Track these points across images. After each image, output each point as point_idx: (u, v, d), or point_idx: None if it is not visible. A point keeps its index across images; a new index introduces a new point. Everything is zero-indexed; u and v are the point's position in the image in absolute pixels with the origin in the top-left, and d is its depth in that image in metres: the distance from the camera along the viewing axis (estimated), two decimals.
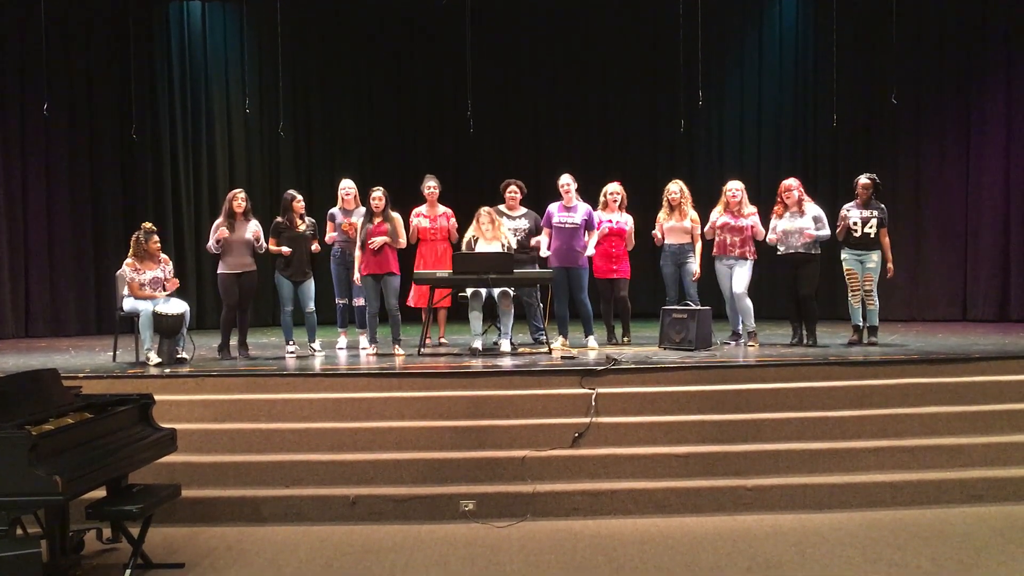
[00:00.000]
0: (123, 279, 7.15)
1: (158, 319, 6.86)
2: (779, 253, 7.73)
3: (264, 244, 7.57)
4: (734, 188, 7.90)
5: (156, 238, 7.21)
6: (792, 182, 7.78)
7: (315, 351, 7.73)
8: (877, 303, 7.70)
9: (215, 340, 7.88)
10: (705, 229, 8.01)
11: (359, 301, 7.95)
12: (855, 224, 7.63)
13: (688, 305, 7.74)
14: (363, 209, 7.91)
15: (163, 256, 7.29)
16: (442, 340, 8.51)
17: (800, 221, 7.60)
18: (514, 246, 7.77)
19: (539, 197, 8.53)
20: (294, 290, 7.63)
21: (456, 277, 7.32)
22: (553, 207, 7.89)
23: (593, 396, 5.81)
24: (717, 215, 7.94)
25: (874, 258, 7.63)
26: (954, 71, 11.04)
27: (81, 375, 6.10)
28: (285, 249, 7.51)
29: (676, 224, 8.07)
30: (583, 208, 7.86)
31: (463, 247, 7.79)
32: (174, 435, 4.72)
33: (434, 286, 7.59)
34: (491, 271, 7.19)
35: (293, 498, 5.22)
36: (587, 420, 5.69)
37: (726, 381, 6.11)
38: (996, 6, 10.74)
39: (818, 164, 11.83)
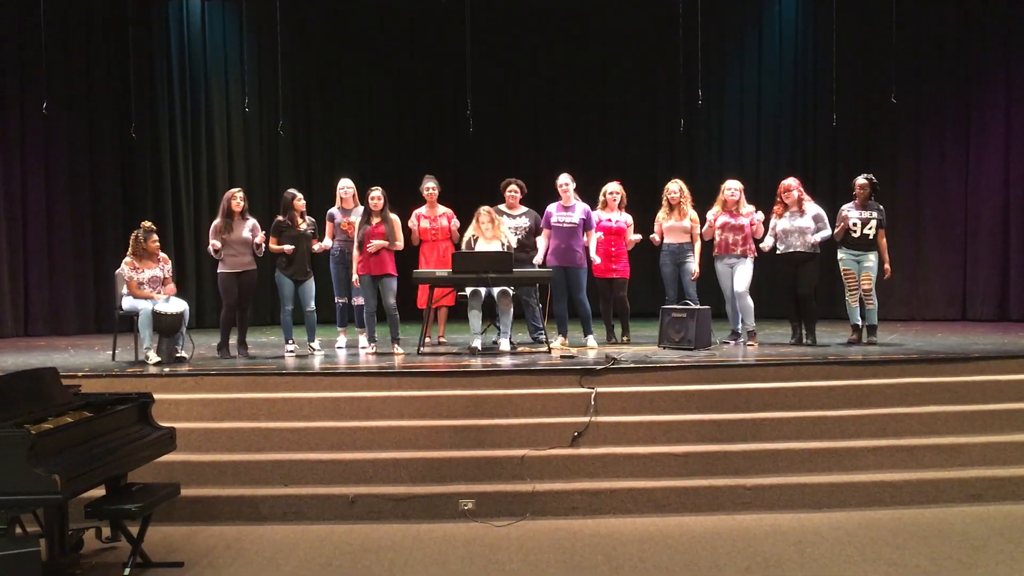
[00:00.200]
0: (122, 278, 7.15)
1: (157, 318, 6.87)
2: (779, 253, 7.74)
3: (262, 246, 7.56)
4: (732, 187, 7.90)
5: (155, 237, 7.21)
6: (792, 182, 7.78)
7: (314, 350, 7.73)
8: (876, 303, 7.70)
9: (214, 339, 7.87)
10: (703, 230, 8.01)
11: (358, 300, 7.95)
12: (854, 225, 7.63)
13: (688, 304, 7.74)
14: (362, 208, 7.91)
15: (162, 255, 7.29)
16: (441, 339, 8.51)
17: (800, 221, 7.60)
18: (514, 245, 7.77)
19: (539, 197, 8.53)
20: (295, 289, 7.62)
21: (455, 276, 7.32)
22: (552, 207, 7.90)
23: (592, 395, 5.81)
24: (714, 215, 7.94)
25: (871, 258, 7.63)
26: (954, 71, 11.04)
27: (80, 374, 6.10)
28: (288, 247, 7.50)
29: (675, 224, 8.07)
30: (581, 207, 7.86)
31: (463, 246, 7.79)
32: (173, 434, 4.72)
33: (433, 285, 7.60)
34: (490, 270, 7.19)
35: (292, 497, 5.22)
36: (586, 419, 5.69)
37: (725, 380, 6.12)
38: (996, 6, 10.74)
39: (817, 164, 11.83)
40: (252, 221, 7.56)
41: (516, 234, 7.97)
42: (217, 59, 11.75)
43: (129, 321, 7.29)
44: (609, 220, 8.08)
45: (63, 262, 10.69)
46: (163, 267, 7.22)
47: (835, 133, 11.27)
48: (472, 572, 4.34)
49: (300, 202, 7.69)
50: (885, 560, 4.36)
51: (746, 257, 7.82)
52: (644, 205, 9.43)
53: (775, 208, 7.80)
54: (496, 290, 7.51)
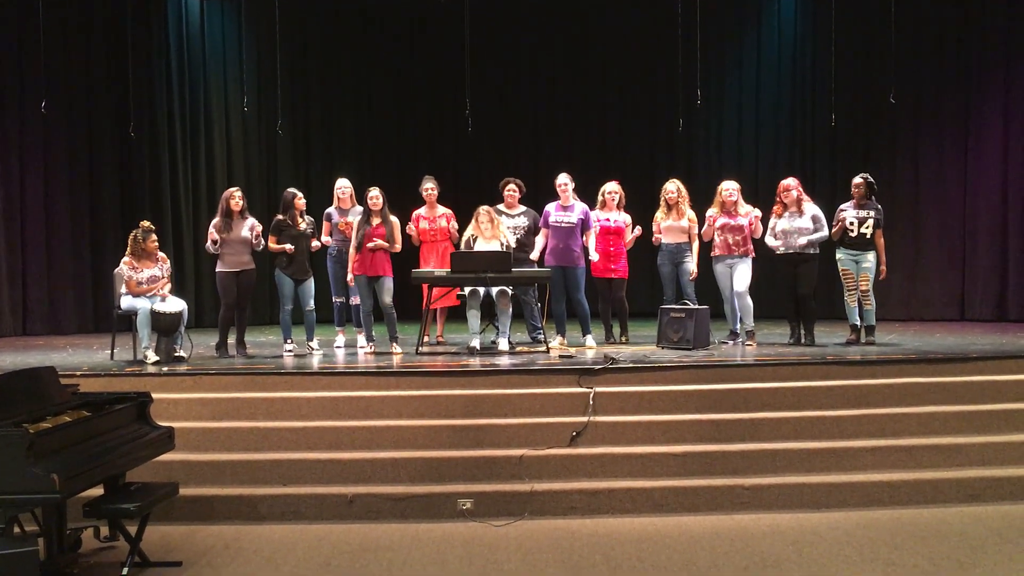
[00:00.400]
0: (121, 277, 7.14)
1: (156, 317, 6.87)
2: (778, 253, 7.74)
3: (263, 242, 7.56)
4: (729, 188, 7.90)
5: (154, 236, 7.20)
6: (791, 182, 7.78)
7: (313, 350, 7.73)
8: (874, 303, 7.71)
9: (213, 338, 7.87)
10: (702, 231, 8.01)
11: (356, 300, 7.95)
12: (851, 224, 7.63)
13: (686, 305, 7.74)
14: (359, 208, 7.90)
15: (161, 255, 7.29)
16: (440, 339, 8.51)
17: (799, 221, 7.61)
18: (513, 245, 7.77)
19: (538, 196, 8.53)
20: (294, 288, 7.62)
21: (454, 276, 7.32)
22: (550, 207, 7.90)
23: (591, 395, 5.81)
24: (713, 216, 7.93)
25: (870, 258, 7.63)
26: (952, 71, 11.05)
27: (79, 373, 6.10)
28: (288, 246, 7.50)
29: (674, 223, 8.07)
30: (579, 207, 7.87)
31: (462, 246, 7.80)
32: (172, 433, 4.72)
33: (432, 284, 7.60)
34: (489, 270, 7.19)
35: (291, 497, 5.22)
36: (585, 419, 5.69)
37: (724, 380, 6.12)
38: (995, 6, 10.75)
39: (816, 164, 11.85)
40: (251, 220, 7.56)
41: (515, 233, 7.97)
42: (216, 58, 11.74)
43: (128, 320, 7.28)
44: (608, 220, 8.08)
45: (62, 261, 10.68)
46: (162, 267, 7.22)
47: (834, 133, 11.28)
48: (470, 572, 4.34)
49: (300, 201, 7.69)
50: (883, 560, 4.36)
51: (746, 256, 7.82)
52: (643, 205, 9.43)
53: (774, 208, 7.80)
54: (495, 290, 7.51)
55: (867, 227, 7.60)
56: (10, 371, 4.36)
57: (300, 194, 7.76)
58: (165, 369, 6.50)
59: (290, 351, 7.61)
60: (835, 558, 4.41)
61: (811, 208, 7.69)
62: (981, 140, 10.88)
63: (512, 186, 8.18)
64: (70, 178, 10.76)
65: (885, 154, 11.33)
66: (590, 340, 7.80)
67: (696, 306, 7.68)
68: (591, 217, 7.94)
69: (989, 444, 5.66)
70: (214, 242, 7.38)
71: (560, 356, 7.01)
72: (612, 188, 8.19)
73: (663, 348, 7.56)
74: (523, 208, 8.25)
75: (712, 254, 7.97)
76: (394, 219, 7.67)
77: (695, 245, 8.10)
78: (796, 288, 7.66)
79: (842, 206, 7.78)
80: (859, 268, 7.65)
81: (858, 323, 7.76)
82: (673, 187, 8.14)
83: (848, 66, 10.98)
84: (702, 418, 5.79)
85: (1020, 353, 6.73)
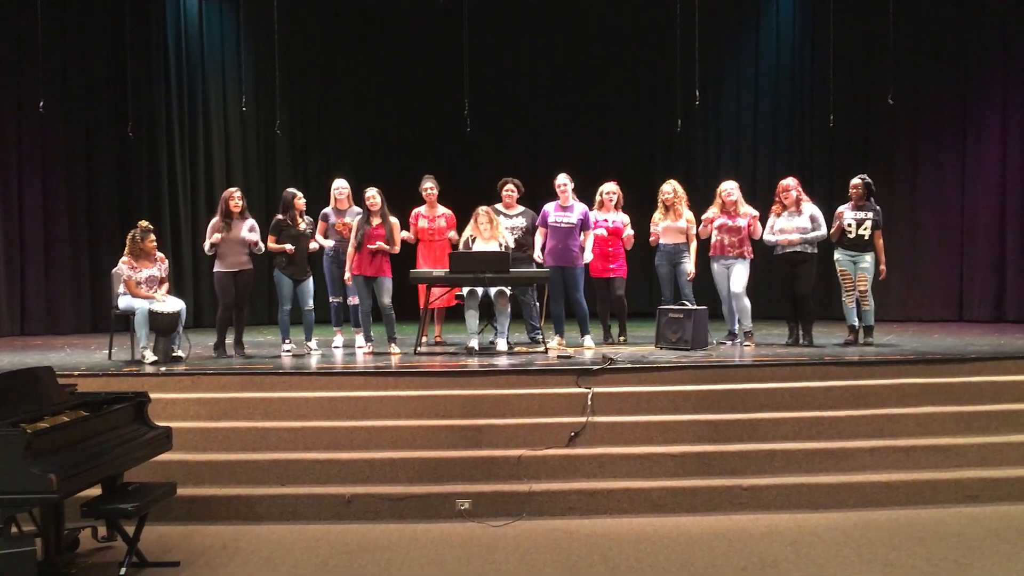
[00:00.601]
0: (119, 277, 7.14)
1: (154, 317, 6.86)
2: (776, 253, 7.74)
3: (262, 247, 7.54)
4: (729, 188, 7.90)
5: (152, 236, 7.20)
6: (790, 182, 7.78)
7: (311, 350, 7.73)
8: (872, 303, 7.71)
9: (211, 338, 7.87)
10: (699, 229, 8.01)
11: (354, 300, 7.94)
12: (849, 225, 7.64)
13: (685, 305, 7.74)
14: (356, 209, 7.89)
15: (159, 254, 7.29)
16: (438, 339, 8.51)
17: (798, 221, 7.61)
18: (511, 245, 7.77)
19: (536, 196, 8.53)
20: (293, 288, 7.61)
21: (453, 276, 7.32)
22: (549, 207, 7.89)
23: (589, 395, 5.81)
24: (710, 217, 7.93)
25: (868, 259, 7.64)
26: (951, 72, 11.05)
27: (77, 373, 6.09)
28: (288, 247, 7.49)
29: (671, 224, 8.07)
30: (579, 208, 7.86)
31: (460, 246, 7.79)
32: (169, 433, 4.72)
33: (430, 285, 7.59)
34: (488, 270, 7.19)
35: (289, 497, 5.21)
36: (583, 419, 5.69)
37: (722, 381, 6.12)
38: (993, 8, 10.75)
39: (815, 164, 11.84)
40: (251, 221, 7.55)
41: (513, 234, 7.97)
42: (214, 58, 11.73)
43: (126, 320, 7.28)
44: (606, 220, 8.08)
45: (60, 261, 10.67)
46: (160, 266, 7.22)
47: (832, 134, 11.28)
48: (468, 572, 4.33)
49: (300, 201, 7.69)
50: (881, 561, 4.37)
51: (743, 258, 7.82)
52: (642, 206, 9.43)
53: (773, 208, 7.80)
54: (493, 290, 7.50)
55: (865, 228, 7.60)
56: (8, 371, 4.36)
57: (300, 194, 7.75)
58: (163, 369, 6.50)
59: (288, 351, 7.60)
60: (833, 559, 4.41)
61: (810, 208, 7.69)
62: (979, 141, 10.89)
63: (510, 186, 8.17)
64: (68, 178, 10.75)
65: (883, 155, 11.33)
66: (588, 340, 7.80)
67: (694, 307, 7.68)
68: (591, 218, 7.94)
69: (987, 445, 5.66)
70: (212, 245, 7.37)
71: (558, 356, 7.01)
72: (610, 189, 8.19)
73: (661, 348, 7.57)
74: (521, 208, 8.24)
75: (710, 254, 7.97)
76: (394, 220, 7.66)
77: (693, 246, 8.10)
78: (794, 288, 7.66)
79: (840, 207, 7.79)
80: (857, 269, 7.66)
81: (856, 324, 7.76)
82: (669, 188, 8.14)
83: (847, 67, 10.98)
84: (700, 418, 5.80)
85: (1018, 354, 6.74)
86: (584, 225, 7.84)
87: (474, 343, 7.50)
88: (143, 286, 7.06)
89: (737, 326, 7.98)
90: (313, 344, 7.80)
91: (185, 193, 11.43)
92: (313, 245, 7.88)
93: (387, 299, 7.53)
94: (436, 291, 7.89)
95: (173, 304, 7.02)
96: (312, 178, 12.13)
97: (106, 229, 10.94)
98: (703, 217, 8.00)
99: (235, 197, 7.46)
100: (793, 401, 5.97)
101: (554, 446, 5.55)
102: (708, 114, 12.40)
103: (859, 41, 11.16)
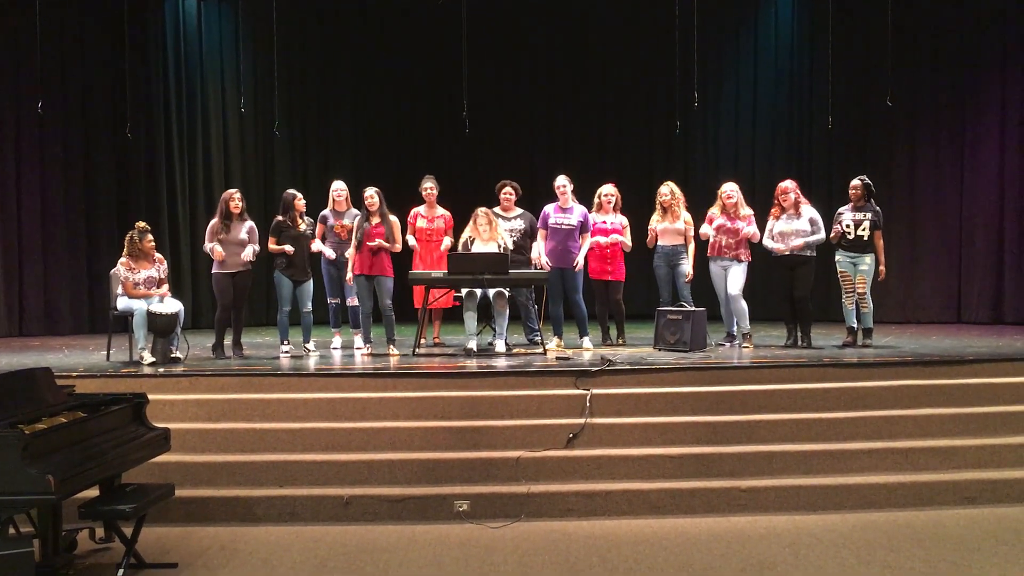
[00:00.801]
0: (117, 278, 7.14)
1: (152, 318, 6.85)
2: (775, 255, 7.74)
3: (258, 248, 7.53)
4: (729, 190, 7.90)
5: (150, 237, 7.19)
6: (789, 184, 7.78)
7: (309, 351, 7.72)
8: (871, 305, 7.71)
9: (210, 339, 7.86)
10: (700, 231, 8.01)
11: (352, 301, 7.93)
12: (848, 226, 7.65)
13: (683, 306, 7.74)
14: (355, 211, 7.88)
15: (158, 255, 7.28)
16: (437, 340, 8.50)
17: (796, 223, 7.61)
18: (510, 247, 7.77)
19: (534, 198, 8.54)
20: (293, 290, 7.61)
21: (451, 277, 7.32)
22: (549, 208, 7.89)
23: (588, 397, 5.81)
24: (712, 217, 7.94)
25: (867, 260, 7.64)
26: (949, 74, 11.07)
27: (75, 374, 6.09)
28: (288, 248, 7.48)
29: (669, 226, 8.07)
30: (579, 210, 7.87)
31: (459, 247, 7.79)
32: (168, 434, 4.72)
33: (429, 286, 7.59)
34: (486, 271, 7.19)
35: (287, 498, 5.21)
36: (582, 421, 5.69)
37: (720, 382, 6.12)
38: (991, 10, 10.77)
39: (813, 166, 11.86)
40: (250, 223, 7.54)
41: (511, 236, 7.97)
42: (213, 59, 11.73)
43: (124, 321, 7.27)
44: (604, 222, 8.08)
45: (58, 262, 10.67)
46: (159, 267, 7.21)
47: (831, 136, 11.28)
48: (467, 573, 4.33)
49: (300, 202, 7.68)
50: (880, 562, 4.37)
51: (740, 260, 7.81)
52: (641, 208, 9.42)
53: (772, 210, 7.81)
54: (492, 291, 7.50)
55: (863, 229, 7.61)
56: (6, 372, 4.35)
57: (300, 195, 7.74)
58: (161, 370, 6.50)
59: (286, 352, 7.60)
60: (832, 560, 4.41)
61: (809, 211, 7.69)
62: (977, 143, 10.91)
63: (508, 189, 8.17)
64: (67, 178, 10.75)
65: (882, 156, 11.34)
66: (587, 342, 7.80)
67: (692, 308, 7.68)
68: (590, 220, 7.94)
69: (985, 447, 5.67)
70: (214, 250, 7.35)
71: (557, 358, 7.00)
72: (608, 191, 8.19)
73: (660, 350, 7.57)
74: (519, 211, 8.24)
75: (708, 254, 7.97)
76: (393, 218, 7.65)
77: (691, 247, 8.11)
78: (793, 290, 7.67)
79: (840, 209, 7.80)
80: (856, 271, 7.66)
81: (855, 325, 7.76)
82: (667, 190, 8.13)
83: (845, 68, 10.99)
84: (699, 420, 5.79)
85: (1016, 356, 6.75)
86: (584, 227, 7.84)
87: (472, 344, 7.50)
88: (141, 287, 7.05)
89: (735, 328, 7.98)
90: (311, 346, 7.80)
91: (184, 194, 11.42)
92: (315, 246, 7.85)
93: (388, 300, 7.52)
94: (435, 291, 7.88)
95: (171, 305, 7.02)
96: (311, 179, 12.13)
97: (105, 230, 10.94)
98: (709, 215, 7.98)
99: (235, 198, 7.45)
100: (791, 403, 5.97)
101: (552, 447, 5.55)
102: (707, 116, 12.42)
103: (858, 43, 11.18)
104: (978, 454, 5.62)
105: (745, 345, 7.78)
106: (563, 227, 7.77)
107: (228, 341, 7.55)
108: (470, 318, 7.55)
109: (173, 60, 11.37)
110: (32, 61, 9.76)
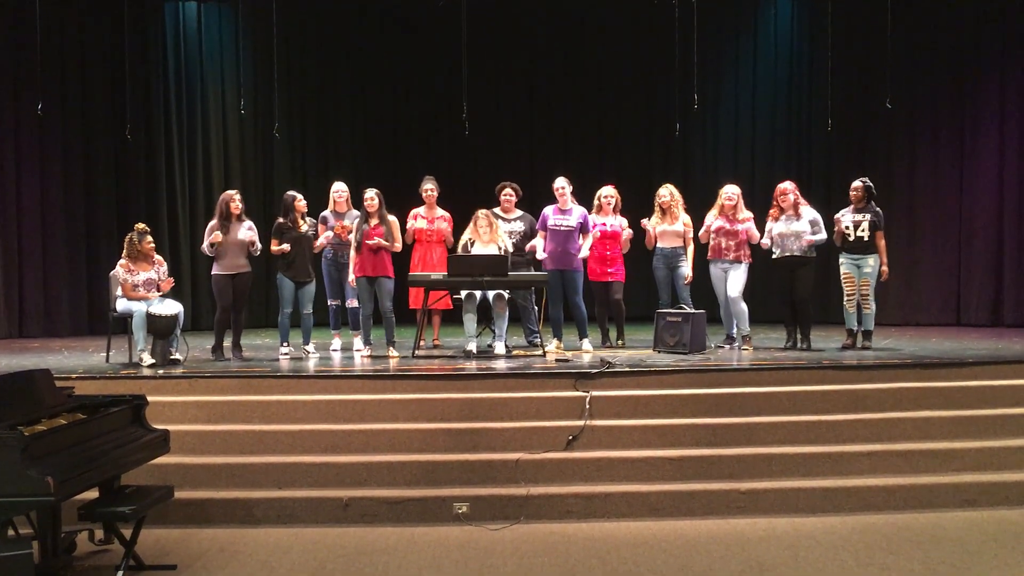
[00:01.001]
0: (116, 280, 7.13)
1: (151, 320, 6.85)
2: (774, 257, 7.74)
3: (259, 247, 7.53)
4: (730, 192, 7.90)
5: (150, 239, 7.19)
6: (788, 185, 7.78)
7: (309, 353, 7.72)
8: (873, 307, 7.71)
9: (209, 341, 7.86)
10: (700, 233, 8.01)
11: (352, 303, 7.93)
12: (847, 228, 7.65)
13: (682, 308, 7.74)
14: (355, 213, 7.88)
15: (157, 257, 7.28)
16: (436, 342, 8.49)
17: (796, 225, 7.61)
18: (510, 249, 7.77)
19: (534, 200, 8.53)
20: (295, 291, 7.60)
21: (451, 279, 7.31)
22: (548, 210, 7.88)
23: (587, 399, 5.81)
24: (712, 218, 7.94)
25: (871, 262, 7.63)
26: (948, 76, 11.07)
27: (74, 376, 6.08)
28: (285, 247, 7.47)
29: (668, 228, 8.07)
30: (578, 211, 7.86)
31: (459, 249, 7.79)
32: (167, 436, 4.71)
33: (428, 288, 7.59)
34: (486, 273, 7.18)
35: (286, 500, 5.21)
36: (581, 423, 5.68)
37: (720, 384, 6.12)
38: (991, 12, 10.77)
39: (813, 168, 11.86)
40: (249, 223, 7.54)
41: (511, 238, 7.97)
42: (213, 61, 11.72)
43: (123, 323, 7.27)
44: (604, 224, 8.08)
45: (57, 264, 10.66)
46: (158, 269, 7.21)
47: (830, 137, 11.28)
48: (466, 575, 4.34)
49: (301, 203, 7.66)
50: (879, 565, 4.37)
51: (740, 262, 7.81)
52: (640, 209, 9.41)
53: (771, 212, 7.81)
54: (491, 293, 7.50)
55: (863, 230, 7.61)
56: (5, 374, 4.35)
57: (300, 196, 7.73)
58: (161, 372, 6.49)
59: (286, 354, 7.60)
60: (831, 563, 4.41)
61: (808, 212, 7.70)
62: (977, 145, 10.90)
63: (508, 190, 8.17)
64: (66, 180, 10.74)
65: (881, 158, 11.35)
66: (587, 344, 7.80)
67: (692, 310, 7.68)
68: (590, 222, 7.94)
69: (985, 449, 5.67)
70: (211, 245, 7.36)
71: (556, 360, 7.00)
72: (608, 192, 8.19)
73: (659, 352, 7.57)
74: (519, 212, 8.24)
75: (708, 256, 7.97)
76: (392, 218, 7.65)
77: (690, 249, 8.11)
78: (792, 292, 7.67)
79: (840, 211, 7.80)
80: (860, 273, 7.65)
81: (855, 328, 7.76)
82: (666, 192, 8.14)
83: (844, 70, 11.00)
84: (698, 422, 5.80)
85: (1016, 358, 6.75)
86: (583, 228, 7.84)
87: (472, 346, 7.50)
88: (140, 288, 7.05)
89: (735, 330, 7.98)
90: (311, 348, 7.79)
91: (183, 195, 11.41)
92: (320, 240, 7.84)
93: (388, 301, 7.51)
94: (433, 293, 7.87)
95: (171, 307, 7.01)
96: (311, 180, 12.09)
97: (104, 231, 10.94)
98: (708, 218, 7.98)
99: (235, 199, 7.45)
100: (791, 405, 5.96)
101: (552, 450, 5.55)
102: (706, 118, 12.40)
103: (857, 45, 11.18)
104: (978, 457, 5.62)
105: (744, 347, 7.78)
106: (562, 229, 7.77)
107: (227, 343, 7.54)
108: (470, 320, 7.55)
109: (173, 61, 11.37)
110: (32, 61, 9.76)
